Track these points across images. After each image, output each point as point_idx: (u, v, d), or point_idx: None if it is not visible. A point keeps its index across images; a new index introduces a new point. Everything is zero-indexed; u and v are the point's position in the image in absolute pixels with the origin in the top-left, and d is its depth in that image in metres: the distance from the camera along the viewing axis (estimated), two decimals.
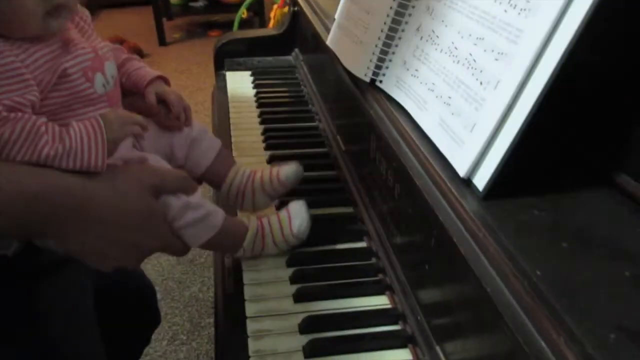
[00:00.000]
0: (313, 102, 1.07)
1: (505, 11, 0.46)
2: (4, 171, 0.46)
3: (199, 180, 0.69)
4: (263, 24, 3.79)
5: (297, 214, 0.67)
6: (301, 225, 0.66)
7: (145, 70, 0.66)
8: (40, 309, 0.61)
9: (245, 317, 0.58)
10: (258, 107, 1.08)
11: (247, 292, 0.61)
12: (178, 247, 0.58)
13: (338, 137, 0.89)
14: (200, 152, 0.69)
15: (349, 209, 0.76)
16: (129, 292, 0.87)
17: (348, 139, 0.85)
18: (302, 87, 1.16)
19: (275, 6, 3.33)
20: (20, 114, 0.48)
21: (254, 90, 1.15)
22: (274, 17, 3.32)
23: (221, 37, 1.31)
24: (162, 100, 0.66)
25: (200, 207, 0.59)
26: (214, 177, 0.71)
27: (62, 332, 0.63)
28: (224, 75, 1.25)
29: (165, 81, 0.68)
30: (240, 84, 1.20)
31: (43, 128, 0.49)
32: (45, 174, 0.48)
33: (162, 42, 3.74)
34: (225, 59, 1.28)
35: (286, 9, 3.33)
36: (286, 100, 1.11)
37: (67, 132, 0.50)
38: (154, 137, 0.64)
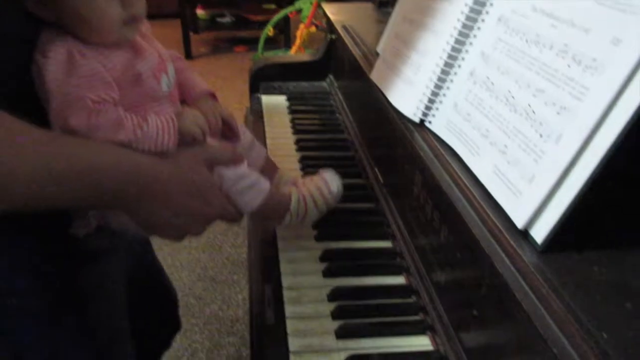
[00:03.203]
0: (349, 131, 1.08)
1: (569, 66, 0.46)
2: (91, 145, 0.53)
3: None
4: (288, 42, 3.84)
5: (332, 179, 0.75)
6: (338, 187, 0.75)
7: (195, 81, 0.71)
8: (82, 293, 0.66)
9: (288, 351, 0.59)
10: (294, 133, 1.09)
11: (290, 325, 0.62)
12: (233, 214, 0.65)
13: (376, 169, 0.89)
14: (253, 158, 0.76)
15: (388, 243, 0.77)
16: (155, 290, 0.92)
17: (387, 172, 0.85)
18: (337, 114, 1.17)
19: (301, 25, 3.38)
20: (106, 106, 0.55)
21: (290, 116, 1.16)
22: (300, 36, 3.36)
23: (257, 62, 1.34)
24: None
25: (249, 175, 0.66)
26: None
27: (99, 316, 0.68)
28: (260, 99, 1.27)
29: (213, 97, 0.72)
30: (275, 108, 1.21)
31: (124, 117, 0.56)
32: (122, 150, 0.55)
33: (189, 55, 3.81)
34: (260, 82, 1.30)
35: (313, 28, 3.38)
36: (322, 127, 1.12)
37: (146, 121, 0.58)
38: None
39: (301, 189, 0.74)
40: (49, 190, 0.48)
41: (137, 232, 0.63)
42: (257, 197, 0.66)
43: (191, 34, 3.87)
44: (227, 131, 0.72)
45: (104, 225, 0.64)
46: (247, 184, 0.65)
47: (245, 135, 0.76)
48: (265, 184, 0.68)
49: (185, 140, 0.61)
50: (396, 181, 0.81)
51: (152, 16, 0.63)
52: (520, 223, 0.46)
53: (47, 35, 0.56)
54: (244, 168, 0.66)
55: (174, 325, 1.00)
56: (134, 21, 0.58)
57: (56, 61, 0.54)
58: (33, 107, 0.54)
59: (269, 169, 0.79)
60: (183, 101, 0.70)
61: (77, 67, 0.55)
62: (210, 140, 0.65)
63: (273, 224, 0.77)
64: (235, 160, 0.65)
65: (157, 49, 0.64)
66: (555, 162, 0.45)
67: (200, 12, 4.16)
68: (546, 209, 0.45)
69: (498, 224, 0.48)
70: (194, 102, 0.70)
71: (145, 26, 0.65)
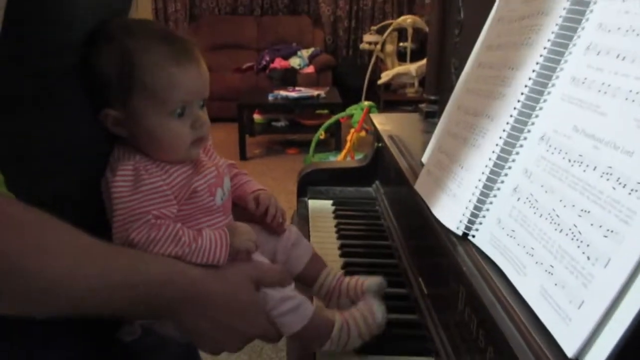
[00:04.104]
0: (393, 238, 1.07)
1: (614, 189, 0.46)
2: (146, 259, 0.57)
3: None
4: (339, 145, 3.98)
5: (377, 306, 0.73)
6: (383, 315, 0.72)
7: (250, 184, 0.76)
8: None
9: None
10: (338, 238, 1.10)
11: None
12: (273, 335, 0.65)
13: (420, 280, 0.87)
14: (298, 256, 0.77)
15: None
16: None
17: (431, 283, 0.83)
18: (382, 220, 1.18)
19: (352, 130, 3.51)
20: (164, 221, 0.60)
21: (335, 221, 1.17)
22: (351, 139, 3.48)
23: (306, 167, 1.38)
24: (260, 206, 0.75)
25: (294, 297, 0.66)
26: (307, 278, 0.79)
27: None
28: (306, 203, 1.29)
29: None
30: (321, 213, 1.23)
31: (181, 231, 0.60)
32: (177, 264, 0.58)
33: (243, 156, 4.00)
34: (308, 187, 1.33)
35: (363, 133, 3.51)
36: (366, 233, 1.12)
37: (200, 235, 0.61)
38: (261, 241, 0.71)
39: (345, 316, 0.71)
40: (100, 299, 0.50)
41: (180, 338, 0.65)
42: (300, 321, 0.66)
43: (247, 136, 4.08)
44: (274, 225, 0.75)
45: (149, 330, 0.65)
46: (291, 306, 0.65)
47: (292, 231, 0.79)
48: (309, 308, 0.67)
49: (238, 255, 0.63)
50: (440, 293, 0.78)
51: (213, 119, 0.68)
52: (570, 352, 0.43)
53: (118, 152, 0.62)
54: (290, 289, 0.66)
55: None
56: (200, 142, 0.64)
57: (123, 178, 0.59)
58: (95, 218, 0.59)
59: (316, 265, 0.80)
60: (235, 205, 0.74)
61: (142, 184, 0.59)
62: (261, 258, 0.68)
63: (312, 347, 0.74)
64: (283, 282, 0.66)
65: (216, 162, 0.69)
66: (605, 287, 0.43)
67: (257, 116, 4.42)
68: (598, 339, 0.42)
69: (546, 351, 0.45)
70: (246, 198, 0.74)
71: (207, 140, 0.69)
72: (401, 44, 5.34)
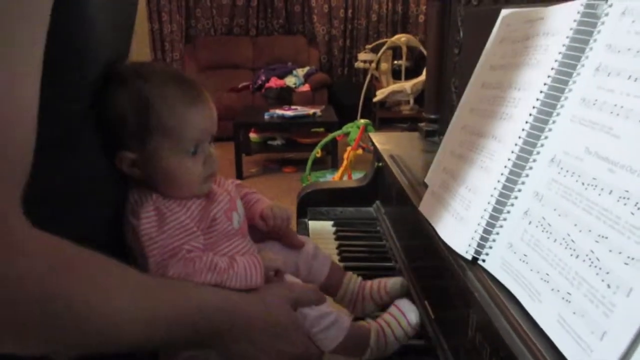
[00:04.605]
0: (396, 259, 1.06)
1: (632, 214, 0.44)
2: (193, 288, 0.58)
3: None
4: (335, 163, 3.97)
5: (409, 308, 0.77)
6: (416, 316, 0.76)
7: (259, 203, 0.78)
8: None
9: None
10: (341, 260, 1.08)
11: None
12: (315, 352, 0.67)
13: (426, 303, 0.85)
14: (318, 267, 0.81)
15: None
16: None
17: (438, 306, 0.81)
18: (384, 241, 1.16)
19: (349, 148, 3.50)
20: (197, 253, 0.62)
21: (337, 242, 1.16)
22: (347, 157, 3.47)
23: (305, 187, 1.37)
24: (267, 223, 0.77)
25: (330, 313, 0.69)
26: (329, 287, 0.82)
27: None
28: (306, 224, 1.27)
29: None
30: (321, 234, 1.21)
31: (216, 260, 0.63)
32: (220, 291, 0.60)
33: (240, 175, 3.98)
34: (308, 208, 1.32)
35: (360, 150, 3.50)
36: (369, 255, 1.10)
37: (235, 261, 0.64)
38: (283, 257, 0.73)
39: (379, 322, 0.75)
40: (156, 332, 0.51)
41: None
42: (339, 336, 0.68)
43: (243, 155, 4.07)
44: (288, 242, 0.79)
45: None
46: (328, 322, 0.68)
47: (308, 244, 0.82)
48: (346, 321, 0.70)
49: (269, 274, 0.66)
50: (448, 317, 0.76)
51: None
52: None
53: (135, 195, 0.63)
54: (325, 307, 0.69)
55: None
56: (210, 177, 0.67)
57: (149, 220, 0.61)
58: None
59: (336, 274, 0.83)
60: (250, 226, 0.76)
61: (167, 221, 0.62)
62: (293, 279, 0.71)
63: (354, 358, 0.76)
64: (319, 301, 0.68)
65: (226, 188, 0.71)
66: (629, 318, 0.41)
67: (253, 135, 4.41)
68: None
69: None
70: (256, 221, 0.76)
71: (217, 174, 0.71)
72: (396, 62, 5.38)
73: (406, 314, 0.76)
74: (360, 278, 0.85)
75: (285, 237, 0.80)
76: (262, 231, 0.78)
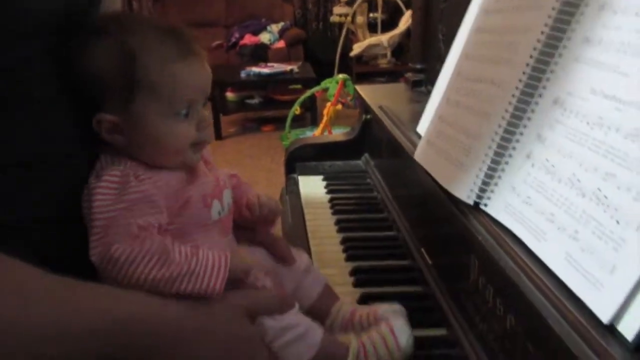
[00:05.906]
0: (389, 209, 1.06)
1: None
2: (113, 297, 0.48)
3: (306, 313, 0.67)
4: (315, 120, 3.93)
5: (401, 330, 0.64)
6: (408, 340, 0.64)
7: (251, 193, 0.69)
8: None
9: None
10: (334, 213, 1.08)
11: None
12: None
13: (423, 250, 0.87)
14: (309, 285, 0.70)
15: (442, 331, 0.72)
16: None
17: (436, 253, 0.82)
18: (376, 192, 1.16)
19: (328, 104, 3.47)
20: (148, 233, 0.51)
21: (328, 196, 1.16)
22: (327, 113, 3.45)
23: (293, 143, 1.36)
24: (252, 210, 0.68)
25: (298, 325, 0.58)
26: (318, 311, 0.69)
27: None
28: (296, 179, 1.27)
29: None
30: (313, 188, 1.21)
31: (171, 247, 0.52)
32: (152, 302, 0.50)
33: (218, 136, 3.92)
34: (296, 163, 1.31)
35: (339, 106, 3.47)
36: (361, 207, 1.11)
37: (196, 255, 0.52)
38: (267, 266, 0.65)
39: (363, 339, 0.63)
40: (59, 350, 0.43)
41: None
42: (307, 351, 0.58)
43: (221, 115, 4.00)
44: (278, 253, 0.68)
45: None
46: (295, 335, 0.57)
47: (302, 258, 0.71)
48: (316, 336, 0.59)
49: (235, 279, 0.55)
50: (447, 264, 0.78)
51: None
52: (605, 318, 0.43)
53: (105, 160, 0.55)
54: (291, 317, 0.58)
55: None
56: (200, 145, 0.59)
57: (108, 184, 0.52)
58: (81, 239, 0.52)
59: (328, 298, 0.71)
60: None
61: (129, 192, 0.52)
62: (260, 276, 0.60)
63: None
64: (281, 309, 0.58)
65: (217, 175, 0.63)
66: (638, 251, 0.42)
67: (230, 95, 4.33)
68: (634, 302, 0.41)
69: (577, 315, 0.45)
70: (248, 202, 0.68)
71: (208, 152, 0.64)
72: (371, 15, 5.28)
73: (397, 334, 0.63)
74: (353, 305, 0.73)
75: (274, 245, 0.69)
76: (249, 234, 0.68)
